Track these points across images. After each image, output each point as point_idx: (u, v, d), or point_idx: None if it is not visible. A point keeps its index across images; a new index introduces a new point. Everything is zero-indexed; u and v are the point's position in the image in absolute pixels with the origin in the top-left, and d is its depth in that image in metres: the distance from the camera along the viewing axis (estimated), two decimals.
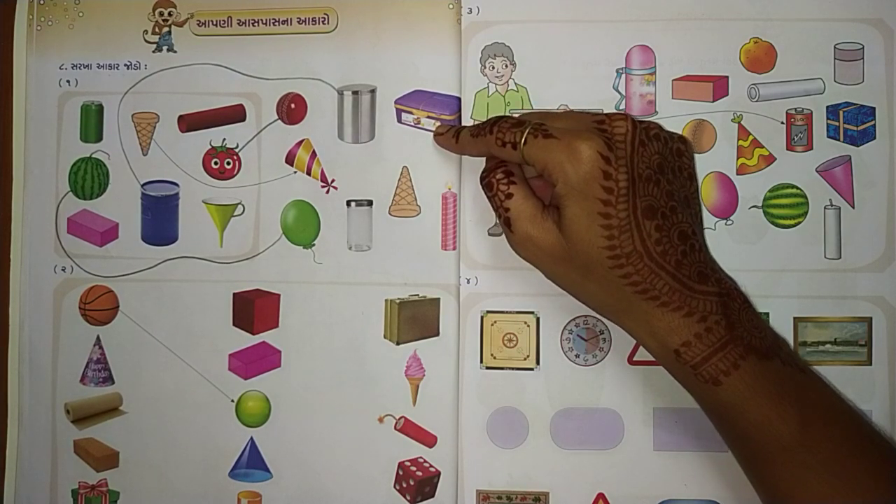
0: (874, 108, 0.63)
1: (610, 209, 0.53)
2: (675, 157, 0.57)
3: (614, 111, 0.58)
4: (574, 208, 0.54)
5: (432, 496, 0.63)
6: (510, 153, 0.56)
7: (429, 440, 0.63)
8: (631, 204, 0.53)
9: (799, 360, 0.55)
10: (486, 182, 0.58)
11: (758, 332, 0.53)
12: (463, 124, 0.63)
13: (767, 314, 0.62)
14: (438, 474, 0.63)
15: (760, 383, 0.52)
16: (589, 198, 0.53)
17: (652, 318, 0.53)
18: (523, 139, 0.55)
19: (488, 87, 0.64)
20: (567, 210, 0.54)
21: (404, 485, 0.63)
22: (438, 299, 0.64)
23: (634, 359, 0.63)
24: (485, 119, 0.63)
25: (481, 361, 0.63)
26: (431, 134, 0.64)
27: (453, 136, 0.61)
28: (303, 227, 0.64)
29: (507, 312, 0.63)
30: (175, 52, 0.65)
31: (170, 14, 0.65)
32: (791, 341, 0.62)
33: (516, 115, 0.60)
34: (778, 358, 0.53)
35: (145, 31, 0.65)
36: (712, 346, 0.52)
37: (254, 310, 0.64)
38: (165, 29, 0.65)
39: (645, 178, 0.54)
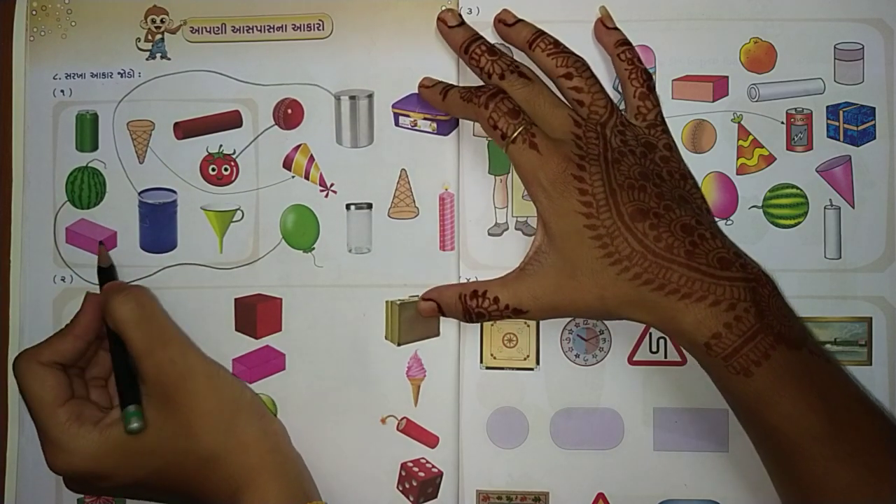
0: (874, 108, 0.62)
1: (594, 220, 0.55)
2: (661, 164, 0.58)
3: (592, 123, 0.58)
4: (560, 225, 0.56)
5: (435, 497, 0.63)
6: (496, 138, 0.58)
7: (431, 441, 0.63)
8: (614, 211, 0.55)
9: (824, 350, 0.56)
10: (476, 315, 0.60)
11: (787, 321, 0.54)
12: (452, 84, 0.63)
13: None
14: (441, 475, 0.63)
15: (791, 374, 0.52)
16: (570, 213, 0.56)
17: (677, 313, 0.54)
18: (513, 137, 0.57)
19: None
20: (553, 227, 0.57)
21: (407, 486, 0.63)
22: None
23: (634, 359, 0.63)
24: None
25: (481, 361, 0.63)
26: (428, 133, 0.64)
27: (440, 93, 0.61)
28: (302, 231, 0.64)
29: None
30: (169, 59, 0.64)
31: (162, 21, 0.64)
32: None
33: (514, 78, 0.60)
34: (805, 348, 0.53)
35: (138, 39, 0.64)
36: (743, 336, 0.52)
37: (256, 314, 0.64)
38: (158, 36, 0.64)
39: (627, 187, 0.55)
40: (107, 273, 0.63)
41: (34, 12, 0.65)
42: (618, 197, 0.55)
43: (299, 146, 0.64)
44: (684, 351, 0.61)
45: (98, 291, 0.62)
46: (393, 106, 0.64)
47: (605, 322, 0.63)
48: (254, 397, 0.61)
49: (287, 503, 0.57)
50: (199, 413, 0.57)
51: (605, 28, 0.62)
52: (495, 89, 0.59)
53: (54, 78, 0.65)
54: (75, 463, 0.57)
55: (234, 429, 0.58)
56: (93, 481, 0.58)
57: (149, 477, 0.57)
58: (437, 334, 0.64)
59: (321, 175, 0.64)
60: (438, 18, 0.63)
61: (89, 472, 0.57)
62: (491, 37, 0.63)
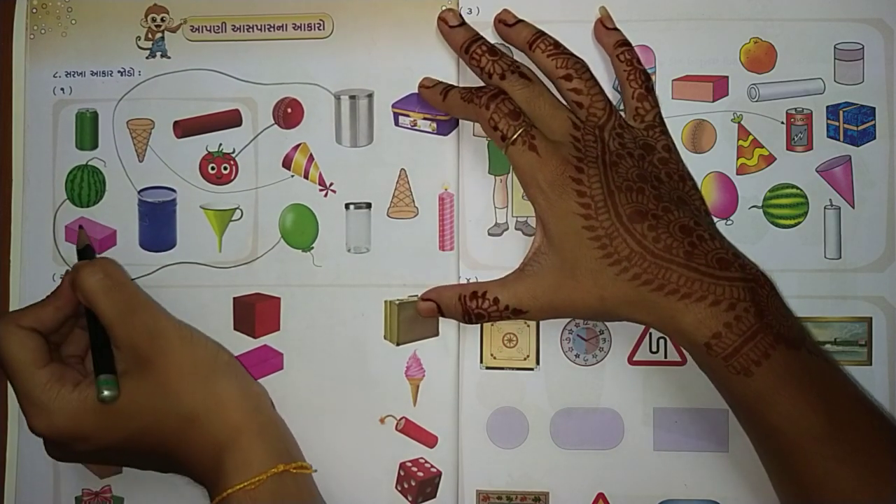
0: (874, 108, 0.62)
1: (592, 221, 0.55)
2: (659, 165, 0.58)
3: (591, 125, 0.58)
4: (559, 226, 0.56)
5: (434, 496, 0.63)
6: (496, 139, 0.58)
7: (430, 441, 0.63)
8: (613, 213, 0.55)
9: (823, 350, 0.56)
10: (476, 316, 0.60)
11: (786, 321, 0.54)
12: (452, 84, 0.63)
13: None
14: (440, 475, 0.63)
15: (790, 373, 0.52)
16: (569, 214, 0.56)
17: (676, 313, 0.54)
18: (513, 138, 0.57)
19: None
20: (552, 228, 0.57)
21: (406, 485, 0.63)
22: None
23: (634, 359, 0.63)
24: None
25: (481, 361, 0.63)
26: (428, 133, 0.64)
27: (441, 93, 0.61)
28: (301, 230, 0.64)
29: None
30: (169, 57, 0.64)
31: (162, 20, 0.64)
32: None
33: (515, 79, 0.60)
34: (804, 347, 0.53)
35: (138, 38, 0.65)
36: (743, 336, 0.52)
37: (255, 314, 0.64)
38: (158, 35, 0.64)
39: (625, 189, 0.56)
40: (84, 254, 0.62)
41: (34, 10, 0.65)
42: (616, 198, 0.55)
43: (299, 145, 0.64)
44: (684, 351, 0.60)
45: None
46: (393, 105, 0.64)
47: (605, 322, 0.63)
48: (231, 359, 0.61)
49: (272, 463, 0.57)
50: (175, 372, 0.57)
51: (605, 29, 0.62)
52: (496, 90, 0.59)
53: (54, 76, 0.65)
54: (55, 423, 0.57)
55: (212, 387, 0.58)
56: (72, 444, 0.58)
57: (129, 438, 0.57)
58: (436, 334, 0.63)
59: (320, 174, 0.64)
60: (439, 18, 0.63)
61: (69, 432, 0.57)
62: (491, 37, 0.63)
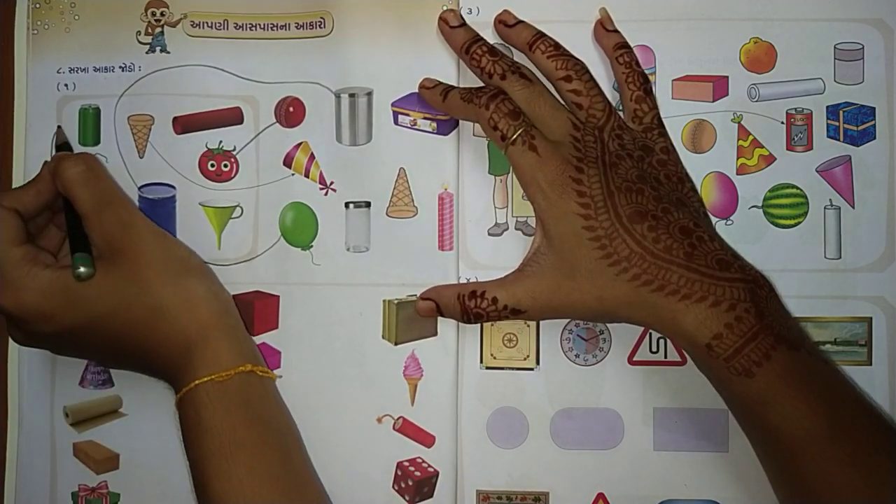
0: (874, 108, 0.63)
1: (592, 222, 0.55)
2: (658, 167, 0.59)
3: (590, 126, 0.58)
4: (558, 226, 0.56)
5: (431, 496, 0.63)
6: (496, 139, 0.58)
7: (427, 440, 0.63)
8: (612, 213, 0.55)
9: (822, 351, 0.56)
10: (475, 315, 0.60)
11: (785, 322, 0.54)
12: (452, 85, 0.63)
13: None
14: (437, 474, 0.63)
15: (791, 374, 0.52)
16: (569, 215, 0.56)
17: (677, 314, 0.54)
18: (513, 138, 0.57)
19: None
20: (551, 229, 0.57)
21: (403, 485, 0.63)
22: None
23: (634, 359, 0.63)
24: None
25: (481, 361, 0.63)
26: (428, 132, 0.64)
27: (441, 94, 0.62)
28: (301, 228, 0.64)
29: None
30: (168, 52, 0.65)
31: (162, 14, 0.65)
32: None
33: (515, 79, 0.60)
34: (804, 348, 0.53)
35: (139, 32, 0.65)
36: (744, 336, 0.52)
37: (253, 311, 0.64)
38: (158, 29, 0.65)
39: (625, 190, 0.56)
40: (63, 150, 0.63)
41: (37, 6, 0.65)
42: (616, 199, 0.55)
43: (300, 144, 0.64)
44: (684, 352, 0.60)
45: None
46: (393, 104, 0.64)
47: (605, 323, 0.63)
48: (203, 263, 0.62)
49: (241, 362, 0.58)
50: (146, 263, 0.58)
51: (605, 30, 0.62)
52: (496, 90, 0.59)
53: (58, 72, 0.65)
54: (22, 299, 0.57)
55: (183, 283, 0.59)
56: (36, 323, 0.58)
57: (94, 321, 0.58)
58: (435, 334, 0.63)
59: (321, 173, 0.64)
60: (440, 19, 0.63)
61: (34, 309, 0.57)
62: (491, 37, 0.63)
